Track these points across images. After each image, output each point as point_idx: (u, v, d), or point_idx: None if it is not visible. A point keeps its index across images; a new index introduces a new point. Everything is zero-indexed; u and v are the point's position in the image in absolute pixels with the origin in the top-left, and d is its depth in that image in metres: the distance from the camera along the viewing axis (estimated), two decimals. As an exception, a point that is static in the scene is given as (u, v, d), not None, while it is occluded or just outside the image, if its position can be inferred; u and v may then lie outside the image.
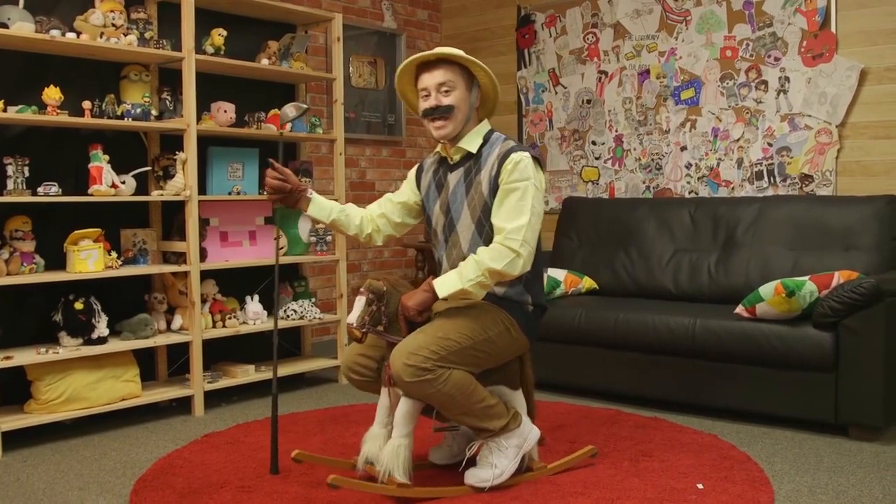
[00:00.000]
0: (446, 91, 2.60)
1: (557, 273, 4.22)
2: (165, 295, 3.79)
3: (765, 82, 4.43)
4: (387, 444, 2.55)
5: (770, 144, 4.43)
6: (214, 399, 3.87)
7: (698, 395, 3.52)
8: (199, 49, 3.73)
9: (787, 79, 4.36)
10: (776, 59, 4.39)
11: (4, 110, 3.16)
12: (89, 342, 3.39)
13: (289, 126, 4.00)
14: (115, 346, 3.45)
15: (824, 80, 4.24)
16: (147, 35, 3.56)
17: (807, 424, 3.36)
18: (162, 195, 3.61)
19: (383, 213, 2.86)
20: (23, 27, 3.19)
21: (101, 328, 3.42)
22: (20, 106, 3.23)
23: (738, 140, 4.54)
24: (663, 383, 3.61)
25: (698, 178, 4.69)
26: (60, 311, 3.37)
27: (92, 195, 3.37)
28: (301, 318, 4.16)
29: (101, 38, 3.41)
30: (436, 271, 2.79)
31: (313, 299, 4.34)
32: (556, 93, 5.28)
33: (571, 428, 3.34)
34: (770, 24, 4.40)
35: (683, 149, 4.74)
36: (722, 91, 4.58)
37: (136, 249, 3.67)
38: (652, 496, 2.56)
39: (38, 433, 3.31)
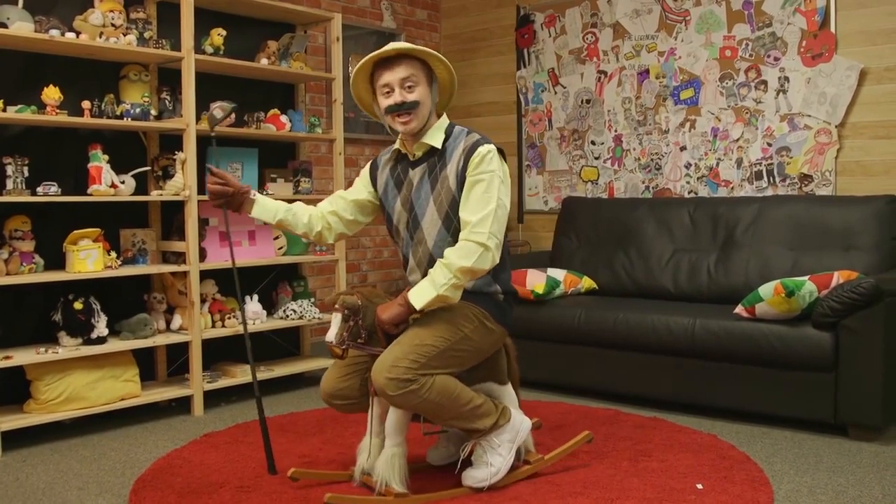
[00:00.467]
0: (410, 86, 2.55)
1: (557, 273, 4.21)
2: (165, 295, 3.79)
3: (764, 82, 4.43)
4: (381, 455, 2.55)
5: (769, 144, 4.43)
6: (214, 399, 3.87)
7: (698, 395, 3.52)
8: (198, 49, 3.73)
9: (787, 79, 4.36)
10: (776, 59, 4.39)
11: (4, 110, 3.16)
12: (89, 342, 3.39)
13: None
14: (114, 345, 3.45)
15: (824, 80, 4.24)
16: (146, 35, 3.56)
17: (806, 424, 3.36)
18: (161, 195, 3.61)
19: (334, 211, 2.80)
20: (22, 27, 3.19)
21: (101, 328, 3.42)
22: (19, 106, 3.23)
23: (737, 140, 4.54)
24: (663, 383, 3.61)
25: (698, 178, 4.69)
26: (60, 311, 3.37)
27: (91, 195, 3.37)
28: (300, 317, 4.16)
29: (100, 37, 3.41)
30: (403, 268, 2.78)
31: (312, 299, 4.34)
32: (556, 93, 5.28)
33: (571, 428, 3.34)
34: (769, 24, 4.40)
35: (683, 149, 4.74)
36: (721, 91, 4.58)
37: (135, 249, 3.67)
38: (651, 496, 2.56)
39: (37, 433, 3.31)
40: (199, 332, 3.68)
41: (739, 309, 3.45)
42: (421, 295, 2.46)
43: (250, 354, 2.88)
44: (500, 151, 2.60)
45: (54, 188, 3.27)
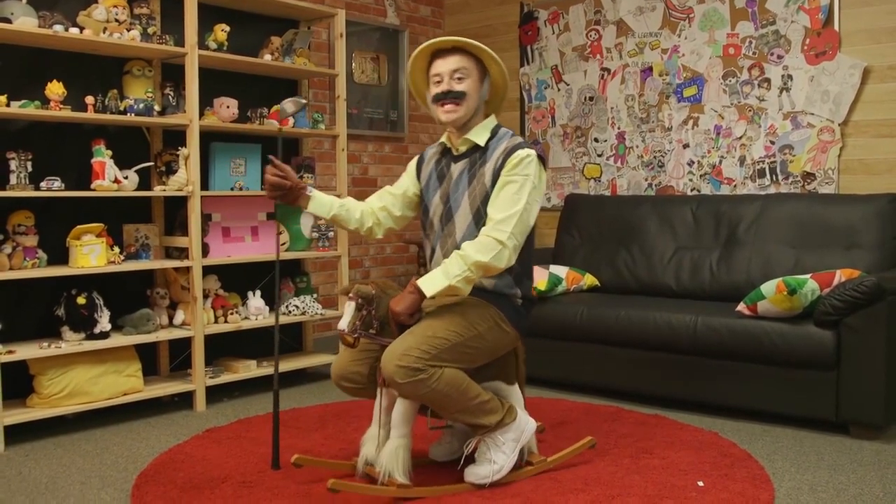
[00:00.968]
0: (459, 78, 2.62)
1: (559, 270, 4.22)
2: (168, 290, 3.79)
3: (767, 80, 4.43)
4: (385, 446, 2.55)
5: (772, 142, 4.42)
6: (216, 394, 3.88)
7: (699, 392, 3.52)
8: (201, 45, 3.73)
9: (790, 77, 4.35)
10: (779, 57, 4.39)
11: (8, 105, 3.16)
12: (91, 337, 3.40)
13: (290, 121, 4.00)
14: (117, 340, 3.45)
15: (827, 78, 4.23)
16: (150, 30, 3.56)
17: (808, 422, 3.36)
18: (164, 190, 3.62)
19: (384, 206, 2.85)
20: (26, 22, 3.19)
21: (104, 323, 3.43)
22: (23, 101, 3.23)
23: (740, 138, 4.53)
24: (664, 381, 3.61)
25: (700, 176, 4.69)
26: (63, 306, 3.38)
27: (94, 190, 3.37)
28: (303, 313, 4.16)
29: (104, 33, 3.41)
30: (426, 262, 2.79)
31: (315, 295, 4.35)
32: (559, 90, 5.27)
33: (572, 425, 3.34)
34: (773, 22, 4.40)
35: (686, 146, 4.74)
36: (724, 88, 4.58)
37: (138, 244, 3.67)
38: (652, 493, 2.56)
39: (40, 427, 3.32)
40: (202, 327, 3.68)
41: (741, 307, 3.45)
42: (432, 283, 2.48)
43: (276, 348, 2.89)
44: (542, 159, 2.63)
45: (58, 183, 3.27)
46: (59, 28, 3.25)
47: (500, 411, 2.61)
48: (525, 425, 2.70)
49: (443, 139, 2.80)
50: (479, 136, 2.68)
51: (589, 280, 4.36)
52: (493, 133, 2.70)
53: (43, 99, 3.28)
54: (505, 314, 2.63)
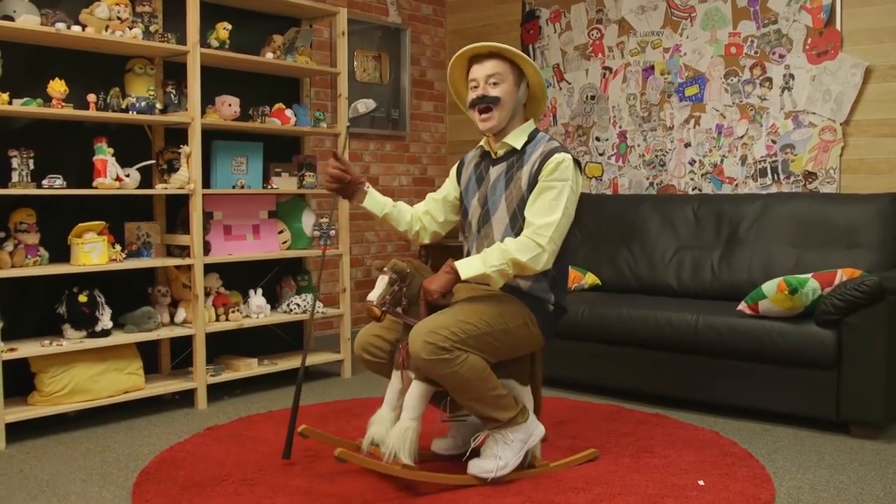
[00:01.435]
0: (494, 83, 2.66)
1: (560, 269, 4.22)
2: (169, 288, 3.80)
3: (769, 79, 4.43)
4: (395, 426, 2.56)
5: (774, 142, 4.42)
6: (217, 392, 3.88)
7: (700, 391, 3.52)
8: (203, 43, 3.73)
9: (792, 76, 4.35)
10: (781, 57, 4.38)
11: (10, 103, 3.16)
12: (93, 335, 3.40)
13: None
14: (118, 338, 3.46)
15: (829, 78, 4.23)
16: (152, 28, 3.56)
17: (808, 422, 3.36)
18: (166, 188, 3.62)
19: (428, 211, 2.92)
20: (28, 20, 3.20)
21: (105, 321, 3.43)
22: (25, 98, 3.23)
23: (742, 137, 4.53)
24: (665, 380, 3.61)
25: (702, 175, 4.69)
26: (64, 304, 3.38)
27: (96, 188, 3.37)
28: (304, 312, 4.16)
29: (106, 31, 3.42)
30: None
31: (317, 293, 4.34)
32: (561, 88, 5.27)
33: (573, 424, 3.34)
34: (775, 21, 4.40)
35: (687, 145, 4.73)
36: (726, 88, 4.58)
37: (140, 242, 3.68)
38: (653, 492, 2.57)
39: (41, 425, 3.32)
40: (203, 325, 3.69)
41: (742, 306, 3.45)
42: (470, 267, 2.53)
43: (306, 341, 2.89)
44: (577, 162, 2.67)
45: (59, 181, 3.28)
46: (61, 26, 3.26)
47: (514, 409, 2.62)
48: (534, 429, 2.71)
49: (482, 143, 2.85)
50: (517, 139, 2.72)
51: (590, 279, 4.36)
52: (531, 137, 2.73)
53: (45, 97, 3.28)
54: (536, 317, 2.66)
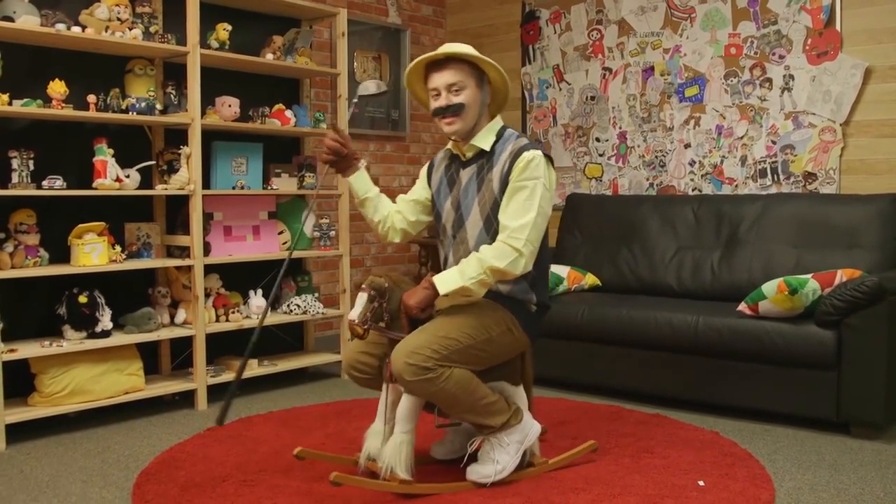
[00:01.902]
0: (456, 91, 2.60)
1: (560, 269, 4.22)
2: (169, 289, 3.80)
3: (769, 80, 4.43)
4: (389, 441, 2.55)
5: (774, 142, 4.42)
6: (217, 393, 3.87)
7: (700, 392, 3.52)
8: (203, 44, 3.73)
9: (792, 76, 4.35)
10: (781, 57, 4.39)
11: (10, 104, 3.17)
12: (93, 335, 3.40)
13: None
14: (118, 339, 3.46)
15: (829, 78, 4.23)
16: (152, 29, 3.56)
17: (808, 422, 3.36)
18: (166, 189, 3.62)
19: (400, 211, 2.88)
20: (28, 20, 3.20)
21: (105, 322, 3.43)
22: (25, 99, 3.23)
23: (741, 137, 4.53)
24: (665, 380, 3.61)
25: (702, 176, 4.69)
26: (64, 305, 3.38)
27: (96, 189, 3.37)
28: (304, 312, 4.17)
29: (106, 32, 3.42)
30: (439, 268, 2.80)
31: (316, 294, 4.35)
32: (561, 89, 5.27)
33: (573, 424, 3.34)
34: (775, 22, 4.40)
35: (687, 146, 4.74)
36: (726, 88, 4.58)
37: (140, 243, 3.68)
38: (653, 492, 2.57)
39: (41, 426, 3.32)
40: (203, 326, 3.69)
41: (743, 306, 3.45)
42: (447, 282, 2.50)
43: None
44: (549, 158, 2.63)
45: (59, 182, 3.28)
46: (61, 27, 3.26)
47: (507, 413, 2.61)
48: (530, 428, 2.70)
49: (449, 146, 2.80)
50: (485, 140, 2.67)
51: (590, 279, 4.36)
52: (499, 136, 2.69)
53: (45, 98, 3.28)
54: (518, 319, 2.64)
